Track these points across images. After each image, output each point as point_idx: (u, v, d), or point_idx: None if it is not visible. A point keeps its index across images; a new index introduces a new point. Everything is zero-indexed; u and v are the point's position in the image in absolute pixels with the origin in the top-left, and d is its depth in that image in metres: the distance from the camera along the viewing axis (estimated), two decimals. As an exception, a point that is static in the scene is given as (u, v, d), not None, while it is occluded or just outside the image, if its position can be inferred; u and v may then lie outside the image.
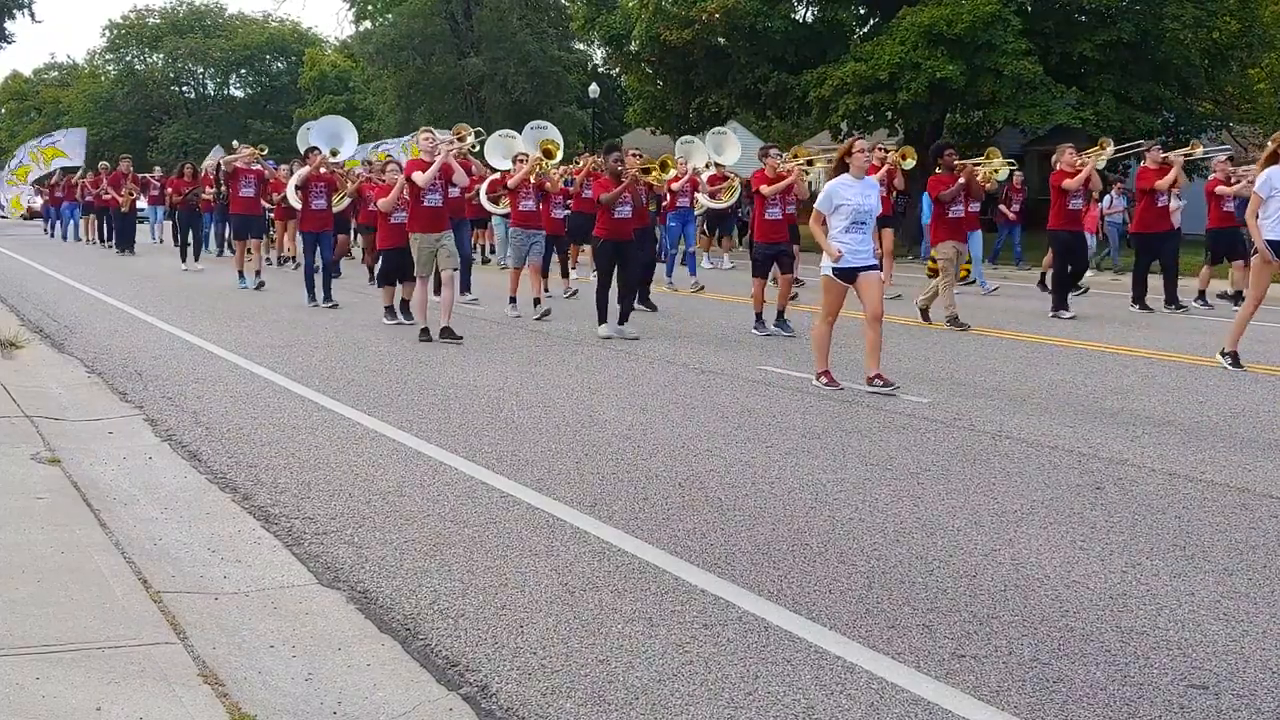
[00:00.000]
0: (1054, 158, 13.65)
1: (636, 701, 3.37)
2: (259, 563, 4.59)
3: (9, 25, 44.31)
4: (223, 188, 20.60)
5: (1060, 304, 12.98)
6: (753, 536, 4.88)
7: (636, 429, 6.99)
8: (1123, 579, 4.39)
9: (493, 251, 21.54)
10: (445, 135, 11.88)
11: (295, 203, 15.21)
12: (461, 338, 10.54)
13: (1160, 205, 13.73)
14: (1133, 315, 13.38)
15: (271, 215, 19.68)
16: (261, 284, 15.97)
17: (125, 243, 23.92)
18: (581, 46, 49.05)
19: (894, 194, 15.47)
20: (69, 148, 29.29)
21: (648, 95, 32.09)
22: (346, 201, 16.76)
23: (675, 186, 15.58)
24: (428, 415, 7.35)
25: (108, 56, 76.95)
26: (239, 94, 77.19)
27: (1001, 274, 19.58)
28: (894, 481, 5.80)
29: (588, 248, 17.47)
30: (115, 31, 75.59)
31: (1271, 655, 3.69)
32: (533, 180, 13.12)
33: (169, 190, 23.56)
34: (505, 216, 18.20)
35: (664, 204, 16.83)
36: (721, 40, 28.72)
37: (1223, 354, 9.34)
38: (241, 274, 16.21)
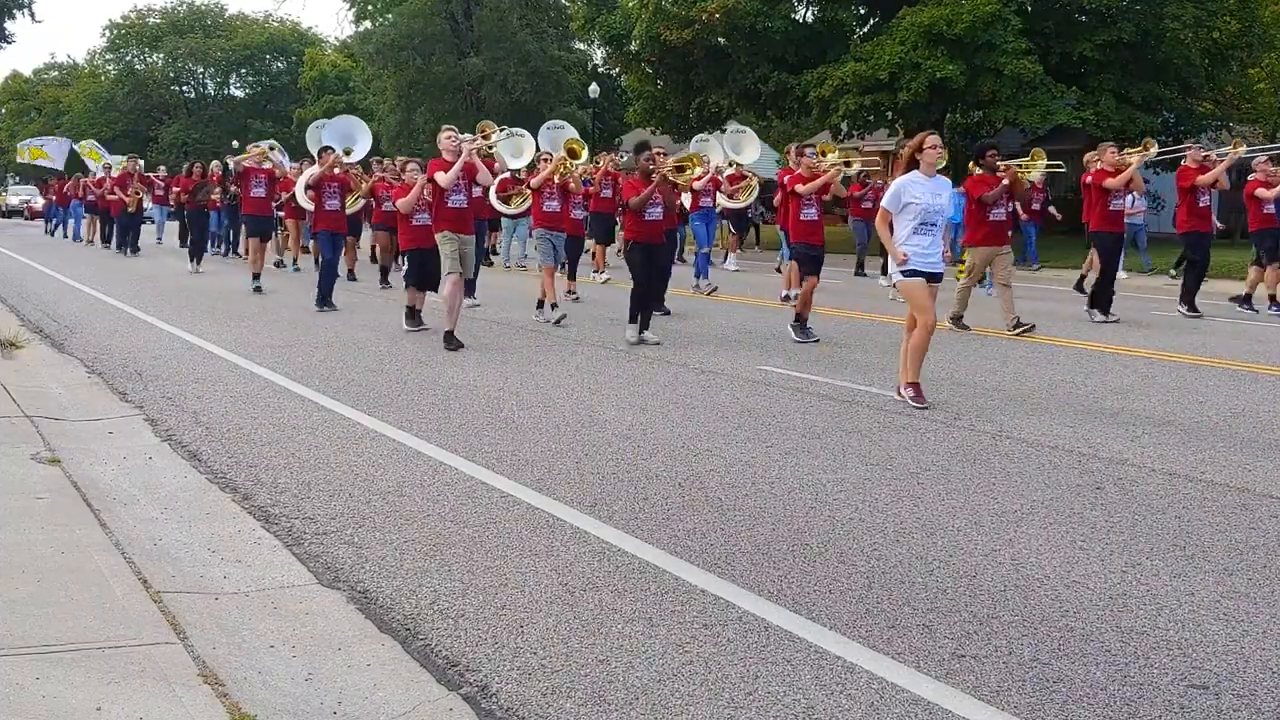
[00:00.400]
0: (1091, 156, 13.26)
1: (636, 701, 3.37)
2: (259, 563, 4.59)
3: (9, 25, 44.29)
4: (232, 188, 20.47)
5: (1098, 305, 12.62)
6: (753, 536, 4.88)
7: (636, 429, 6.99)
8: (1123, 579, 4.39)
9: (494, 253, 21.26)
10: (466, 136, 11.33)
11: (305, 203, 15.06)
12: (462, 345, 10.24)
13: (1202, 205, 13.33)
14: (1136, 316, 13.34)
15: (281, 214, 19.40)
16: (259, 289, 15.37)
17: (130, 243, 23.64)
18: (581, 46, 49.05)
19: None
20: (54, 154, 29.74)
21: (648, 95, 32.09)
22: (361, 203, 16.54)
23: (698, 186, 15.13)
24: (428, 415, 7.35)
25: (108, 56, 77.04)
26: (239, 94, 77.26)
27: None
28: (894, 481, 5.80)
29: (590, 249, 17.44)
30: (115, 31, 75.67)
31: (1271, 655, 3.70)
32: (556, 180, 12.83)
33: (175, 190, 23.47)
34: (514, 217, 18.13)
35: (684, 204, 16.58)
36: (721, 40, 28.74)
37: None
38: (255, 275, 15.64)
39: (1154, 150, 14.65)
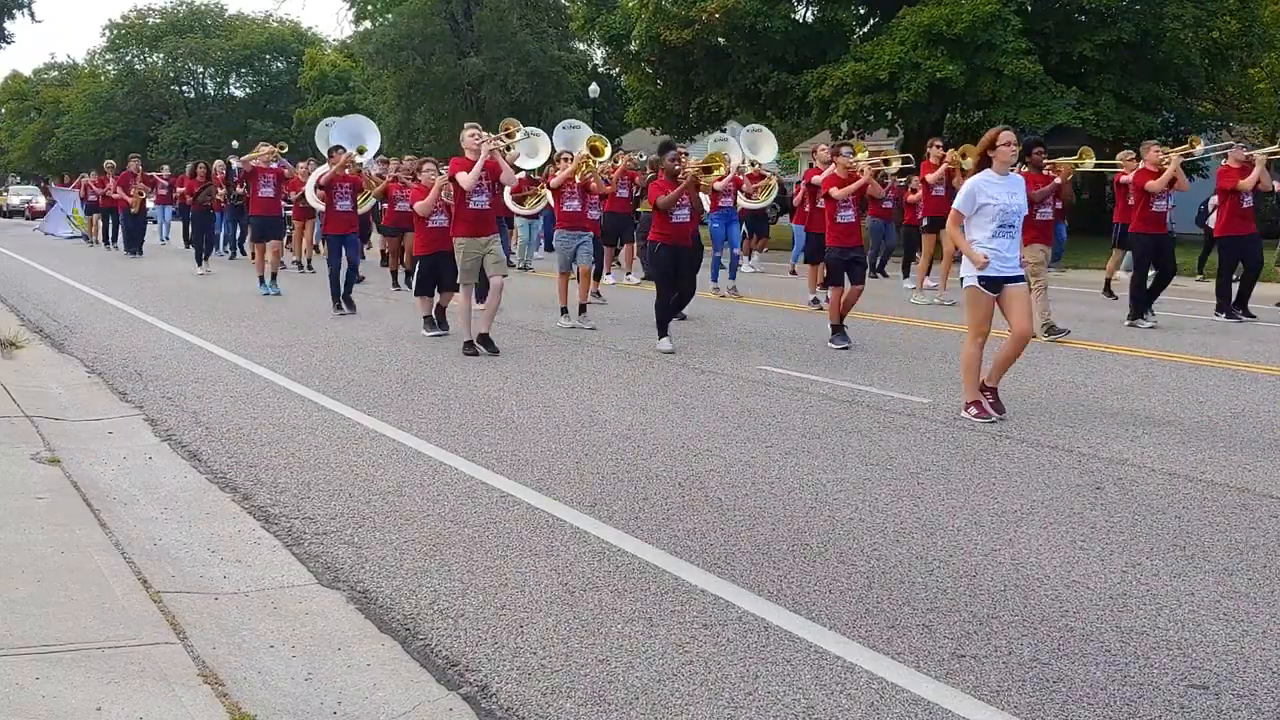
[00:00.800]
0: (1124, 155, 12.90)
1: (636, 701, 3.37)
2: (259, 563, 4.59)
3: (9, 25, 44.31)
4: (237, 188, 20.30)
5: (1139, 312, 12.17)
6: (753, 536, 4.88)
7: (636, 429, 6.99)
8: (1123, 579, 4.39)
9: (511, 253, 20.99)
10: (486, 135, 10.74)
11: (315, 203, 14.84)
12: (499, 351, 9.85)
13: (1245, 206, 12.74)
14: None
15: (290, 215, 19.02)
16: (278, 292, 15.10)
17: (134, 244, 23.34)
18: (581, 46, 49.05)
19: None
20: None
21: (648, 95, 32.11)
22: (371, 203, 16.08)
23: (718, 186, 14.39)
24: (428, 415, 7.35)
25: (108, 56, 77.04)
26: (239, 94, 77.25)
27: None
28: (894, 481, 5.80)
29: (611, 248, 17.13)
30: (115, 31, 75.66)
31: (1271, 655, 3.70)
32: (577, 180, 12.37)
33: (179, 190, 23.24)
34: (529, 218, 17.98)
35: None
36: (721, 40, 28.77)
37: None
38: (262, 279, 15.37)
39: (1200, 148, 14.01)
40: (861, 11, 29.91)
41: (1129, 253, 13.74)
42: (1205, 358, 9.91)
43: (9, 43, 46.04)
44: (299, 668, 3.63)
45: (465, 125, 10.46)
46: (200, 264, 18.95)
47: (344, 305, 12.94)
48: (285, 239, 17.89)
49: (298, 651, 3.75)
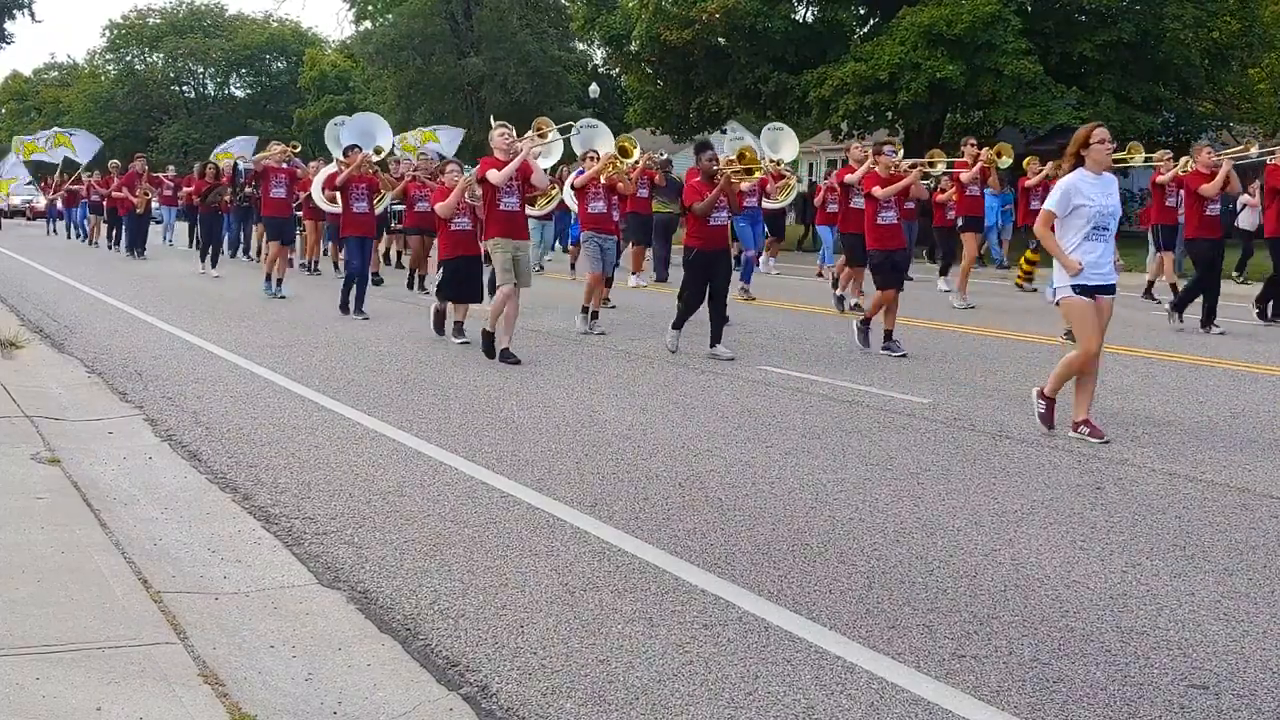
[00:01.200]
0: (1161, 155, 12.49)
1: (636, 701, 3.37)
2: (259, 563, 4.59)
3: (9, 25, 44.42)
4: (246, 189, 20.13)
5: (1211, 319, 11.74)
6: (753, 536, 4.88)
7: (636, 429, 6.99)
8: (1123, 579, 4.39)
9: None
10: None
11: (322, 203, 14.54)
12: (520, 361, 9.42)
13: None
14: (1137, 316, 13.32)
15: (300, 215, 18.50)
16: (284, 295, 14.74)
17: (137, 245, 22.88)
18: (581, 46, 49.06)
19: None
20: (81, 146, 28.92)
21: (648, 95, 32.11)
22: (387, 201, 15.76)
23: (744, 186, 13.63)
24: (428, 415, 7.35)
25: (108, 56, 77.03)
26: (239, 94, 77.26)
27: (1002, 273, 19.58)
28: (894, 481, 5.80)
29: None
30: (115, 31, 75.66)
31: (1271, 655, 3.70)
32: (603, 180, 12.05)
33: (185, 191, 22.99)
34: (540, 219, 17.84)
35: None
36: (721, 40, 28.77)
37: None
38: (269, 278, 14.90)
39: (1255, 150, 13.61)
40: (861, 12, 29.91)
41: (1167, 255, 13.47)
42: (1205, 358, 9.91)
43: (9, 43, 46.13)
44: (299, 668, 3.63)
45: (494, 124, 10.02)
46: (207, 265, 18.49)
47: (354, 309, 12.56)
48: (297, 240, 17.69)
49: (298, 651, 3.75)
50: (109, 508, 5.11)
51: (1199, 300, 11.89)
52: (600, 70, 49.70)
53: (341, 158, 13.57)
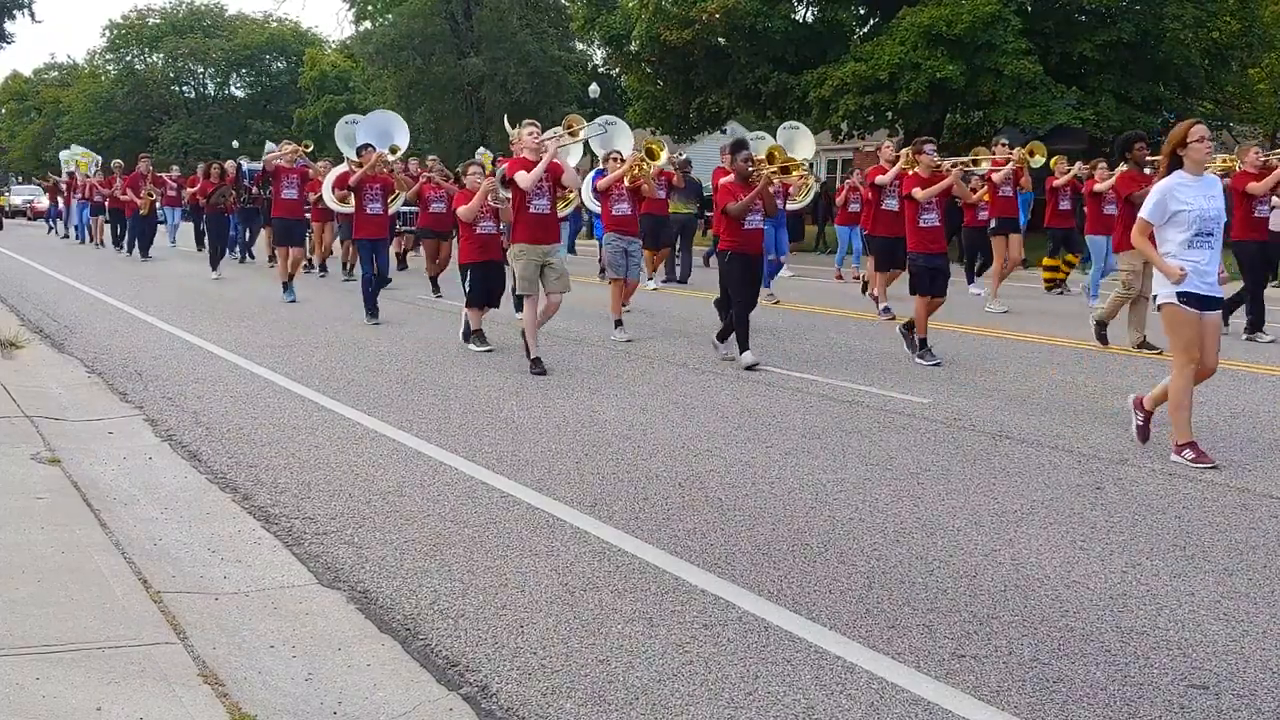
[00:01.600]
0: (1226, 158, 12.26)
1: (636, 701, 3.37)
2: (259, 563, 4.59)
3: (9, 25, 44.42)
4: (251, 189, 20.01)
5: (1259, 324, 11.33)
6: (753, 536, 4.88)
7: (636, 429, 6.99)
8: (1123, 579, 4.39)
9: None
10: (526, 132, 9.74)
11: (332, 204, 14.39)
12: (547, 371, 9.09)
13: None
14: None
15: (309, 216, 18.21)
16: (293, 299, 14.32)
17: (142, 246, 22.57)
18: (581, 46, 49.04)
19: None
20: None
21: (648, 95, 32.09)
22: (400, 202, 15.44)
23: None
24: (428, 415, 7.35)
25: (108, 56, 77.09)
26: (239, 94, 77.33)
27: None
28: (894, 481, 5.80)
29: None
30: (115, 31, 75.73)
31: (1271, 655, 3.70)
32: (627, 182, 11.76)
33: (188, 191, 22.83)
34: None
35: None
36: (721, 40, 28.76)
37: None
38: (286, 286, 14.50)
39: None
40: (861, 12, 29.90)
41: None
42: (1205, 358, 9.88)
43: (9, 43, 46.12)
44: (299, 668, 3.63)
45: (524, 122, 9.66)
46: (215, 268, 18.13)
47: (366, 313, 12.27)
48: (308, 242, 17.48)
49: (298, 651, 3.75)
50: (109, 508, 5.11)
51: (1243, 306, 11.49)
52: (600, 70, 49.65)
53: (354, 158, 13.34)
